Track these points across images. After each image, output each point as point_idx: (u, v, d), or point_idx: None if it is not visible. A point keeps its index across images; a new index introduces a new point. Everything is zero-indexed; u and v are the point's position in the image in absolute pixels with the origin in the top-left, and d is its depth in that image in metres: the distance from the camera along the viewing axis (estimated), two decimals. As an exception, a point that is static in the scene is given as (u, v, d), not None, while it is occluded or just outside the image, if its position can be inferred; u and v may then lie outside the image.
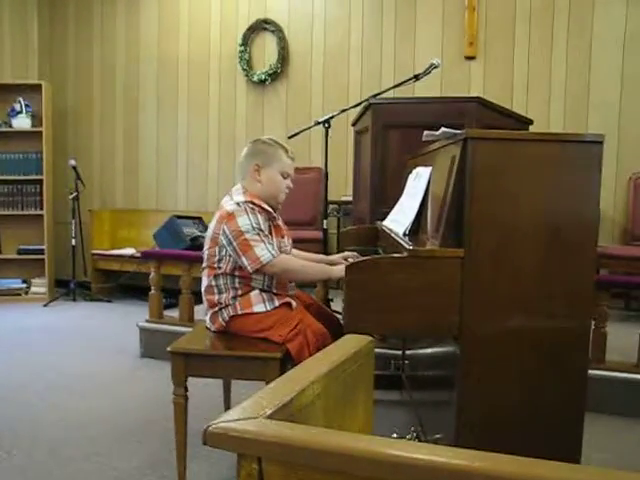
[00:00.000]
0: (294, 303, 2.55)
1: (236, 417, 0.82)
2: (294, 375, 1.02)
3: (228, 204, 2.50)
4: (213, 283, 2.52)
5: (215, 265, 2.51)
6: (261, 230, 2.43)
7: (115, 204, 6.65)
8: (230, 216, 2.44)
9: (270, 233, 2.51)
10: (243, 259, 2.41)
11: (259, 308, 2.47)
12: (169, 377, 2.37)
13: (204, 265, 2.57)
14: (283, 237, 2.63)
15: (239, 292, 2.49)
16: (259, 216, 2.46)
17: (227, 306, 2.49)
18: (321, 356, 1.16)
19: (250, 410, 0.84)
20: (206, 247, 2.56)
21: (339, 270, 2.42)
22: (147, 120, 6.54)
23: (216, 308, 2.52)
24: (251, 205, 2.46)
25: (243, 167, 2.61)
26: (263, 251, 2.40)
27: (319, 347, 2.31)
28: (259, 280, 2.50)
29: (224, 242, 2.45)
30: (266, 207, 2.51)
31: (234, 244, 2.41)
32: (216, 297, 2.51)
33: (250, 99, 6.17)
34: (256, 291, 2.49)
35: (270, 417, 0.84)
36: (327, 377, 1.03)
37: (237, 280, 2.49)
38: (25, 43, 6.50)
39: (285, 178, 2.60)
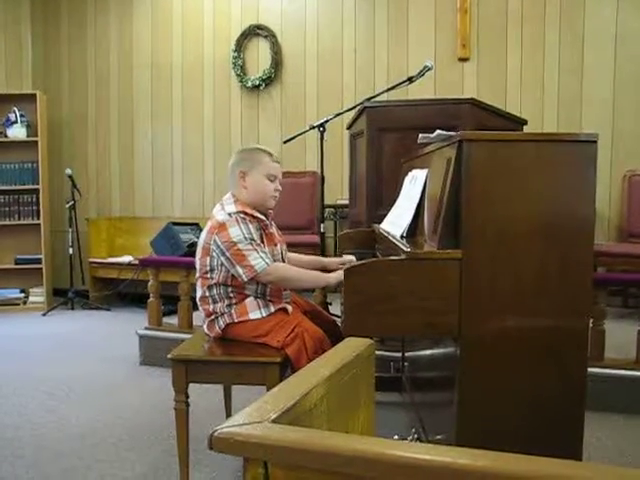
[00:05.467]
0: (290, 308, 2.55)
1: (241, 422, 0.83)
2: (297, 379, 1.03)
3: (219, 214, 2.49)
4: (207, 294, 2.52)
5: (207, 275, 2.51)
6: (253, 240, 2.42)
7: (112, 212, 6.65)
8: (222, 226, 2.43)
9: (262, 242, 2.50)
10: (237, 268, 2.40)
11: (255, 315, 2.47)
12: (169, 384, 2.37)
13: (197, 275, 2.57)
14: (276, 245, 2.60)
15: (234, 300, 2.49)
16: (250, 225, 2.44)
17: (223, 314, 2.49)
18: (323, 360, 1.16)
19: (255, 414, 0.85)
20: (198, 256, 2.55)
21: (336, 277, 2.42)
22: (142, 128, 6.54)
23: (212, 317, 2.52)
24: (242, 215, 2.45)
25: (231, 177, 2.61)
26: (257, 260, 2.39)
27: (317, 351, 2.32)
28: (252, 288, 2.49)
29: (216, 252, 2.45)
30: (258, 215, 2.50)
31: (227, 254, 2.41)
32: (211, 306, 2.51)
33: (244, 104, 6.18)
34: (251, 298, 2.49)
35: (275, 421, 0.84)
36: (330, 380, 1.04)
37: (230, 289, 2.48)
38: (19, 53, 6.50)
39: (272, 181, 2.56)
